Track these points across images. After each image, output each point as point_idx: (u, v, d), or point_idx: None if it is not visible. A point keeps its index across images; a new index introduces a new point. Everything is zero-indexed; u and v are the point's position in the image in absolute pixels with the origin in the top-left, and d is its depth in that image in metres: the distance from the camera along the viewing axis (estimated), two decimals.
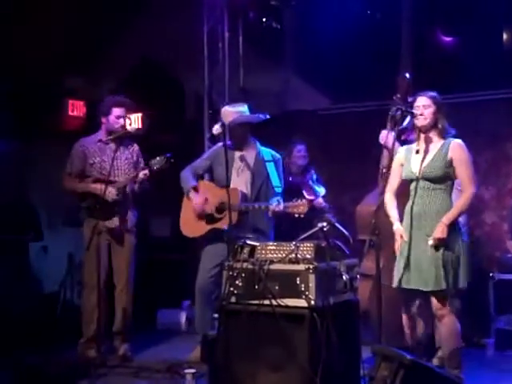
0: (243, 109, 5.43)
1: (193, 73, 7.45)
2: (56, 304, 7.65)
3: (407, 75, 4.98)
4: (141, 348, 5.88)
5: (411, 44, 6.94)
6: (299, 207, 4.78)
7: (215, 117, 7.24)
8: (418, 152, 4.45)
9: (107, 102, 5.59)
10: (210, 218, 5.35)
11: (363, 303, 4.70)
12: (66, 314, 7.36)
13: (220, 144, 5.51)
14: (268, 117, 5.38)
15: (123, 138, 5.58)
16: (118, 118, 5.53)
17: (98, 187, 5.38)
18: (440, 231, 4.26)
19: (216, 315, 5.45)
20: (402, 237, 4.44)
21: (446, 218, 4.28)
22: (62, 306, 7.66)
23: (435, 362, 4.86)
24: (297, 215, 4.80)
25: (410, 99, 4.82)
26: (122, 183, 5.50)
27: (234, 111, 5.36)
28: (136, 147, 5.73)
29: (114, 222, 5.55)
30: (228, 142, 5.21)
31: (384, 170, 5.26)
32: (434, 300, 4.35)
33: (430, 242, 4.26)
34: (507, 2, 6.56)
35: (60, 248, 8.04)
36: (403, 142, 4.98)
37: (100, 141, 5.60)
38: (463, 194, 4.35)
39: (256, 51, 7.55)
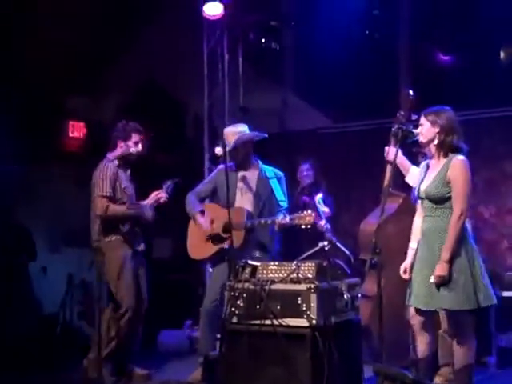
0: (243, 128, 5.49)
1: (193, 93, 7.50)
2: (56, 325, 7.63)
3: (411, 92, 5.00)
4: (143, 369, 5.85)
5: (409, 63, 6.99)
6: (305, 218, 4.79)
7: (215, 136, 7.31)
8: (428, 168, 4.45)
9: (125, 127, 5.62)
10: (217, 239, 5.36)
11: (364, 324, 4.70)
12: (65, 335, 7.35)
13: (221, 166, 5.56)
14: (266, 136, 5.43)
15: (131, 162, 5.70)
16: (137, 143, 5.61)
17: (146, 211, 5.53)
18: (441, 269, 4.16)
19: (219, 336, 5.49)
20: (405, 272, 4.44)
21: (445, 254, 4.17)
22: (62, 326, 7.64)
23: (437, 380, 4.83)
24: (303, 227, 4.80)
25: (414, 117, 4.84)
26: (151, 205, 5.62)
27: (236, 131, 5.42)
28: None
29: (142, 245, 5.65)
30: (230, 164, 5.26)
31: (389, 189, 5.30)
32: (445, 318, 4.33)
33: (432, 279, 4.17)
34: (504, 21, 6.61)
35: (59, 268, 8.02)
36: (415, 154, 5.00)
37: (119, 166, 5.61)
38: (451, 219, 4.22)
39: (255, 71, 7.60)
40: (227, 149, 5.29)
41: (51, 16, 7.00)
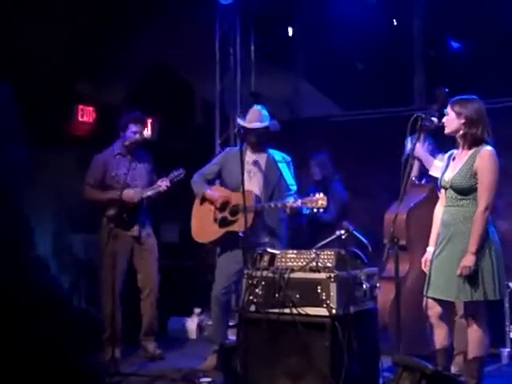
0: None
1: (204, 79, 7.46)
2: (64, 310, 7.59)
3: (446, 89, 5.03)
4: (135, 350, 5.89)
5: (423, 52, 6.93)
6: (318, 201, 4.76)
7: (226, 122, 7.28)
8: (454, 159, 4.41)
9: (124, 119, 5.82)
10: (224, 222, 5.30)
11: (386, 308, 4.70)
12: (74, 320, 7.31)
13: (228, 149, 5.60)
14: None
15: (139, 150, 5.85)
16: (135, 133, 5.76)
17: (126, 193, 5.62)
18: (467, 260, 4.14)
19: (232, 323, 5.48)
20: (426, 263, 4.44)
21: (472, 246, 4.14)
22: (71, 312, 7.59)
23: (453, 369, 4.82)
24: (315, 210, 4.78)
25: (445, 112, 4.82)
26: (147, 193, 5.73)
27: (267, 114, 5.38)
28: (151, 158, 5.98)
29: (135, 230, 5.79)
30: (240, 145, 5.26)
31: (413, 179, 5.30)
32: (463, 308, 4.31)
33: (458, 271, 4.15)
34: None
35: (68, 253, 7.99)
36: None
37: (118, 154, 5.83)
38: (477, 211, 4.18)
39: (267, 57, 7.55)
40: (254, 125, 5.28)
41: None
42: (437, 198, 4.74)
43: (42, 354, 5.07)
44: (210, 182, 5.58)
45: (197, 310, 7.20)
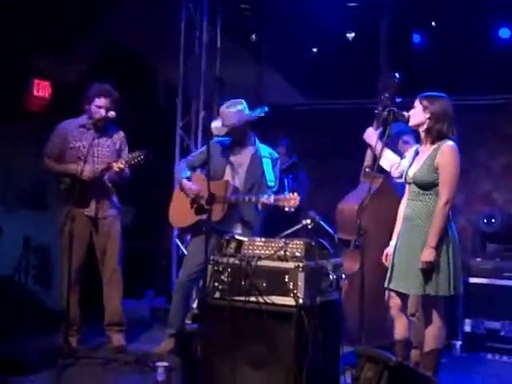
0: (242, 106, 5.33)
1: (168, 61, 7.33)
2: (10, 288, 7.44)
3: (397, 75, 4.96)
4: (104, 339, 5.74)
5: (389, 44, 6.96)
6: (290, 201, 4.76)
7: (188, 105, 7.18)
8: (417, 154, 4.43)
9: (92, 90, 5.54)
10: (199, 209, 5.27)
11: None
12: (21, 299, 7.17)
13: (216, 139, 5.48)
14: (266, 110, 5.36)
15: (109, 126, 5.61)
16: (100, 107, 5.49)
17: (75, 167, 5.37)
18: (427, 255, 4.16)
19: (193, 307, 5.46)
20: (387, 257, 4.47)
21: (431, 240, 4.17)
22: (17, 290, 7.45)
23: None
24: (287, 209, 4.76)
25: (398, 99, 4.81)
26: (98, 169, 5.46)
27: (234, 111, 5.28)
28: (121, 134, 5.70)
29: (91, 209, 5.52)
30: (226, 139, 5.31)
31: (367, 169, 5.27)
32: (414, 303, 4.36)
33: (419, 265, 4.18)
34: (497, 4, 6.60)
35: (16, 230, 7.80)
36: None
37: (82, 126, 5.57)
38: (437, 205, 4.21)
39: (233, 42, 7.47)
40: (223, 128, 5.27)
41: None
42: (389, 190, 4.75)
43: None
44: (195, 170, 5.54)
45: (149, 293, 7.13)
